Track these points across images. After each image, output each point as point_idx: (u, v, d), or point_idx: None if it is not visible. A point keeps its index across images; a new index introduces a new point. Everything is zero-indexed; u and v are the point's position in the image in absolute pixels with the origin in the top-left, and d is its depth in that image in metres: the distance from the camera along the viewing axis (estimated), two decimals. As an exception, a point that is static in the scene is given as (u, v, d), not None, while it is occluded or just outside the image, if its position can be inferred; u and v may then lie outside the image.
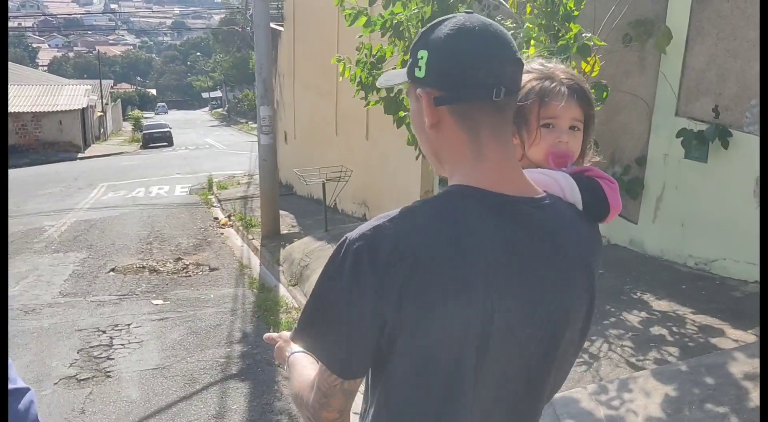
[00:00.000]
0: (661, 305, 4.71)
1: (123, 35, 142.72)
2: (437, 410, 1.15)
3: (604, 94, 4.26)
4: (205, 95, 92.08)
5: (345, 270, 1.11)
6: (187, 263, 9.21)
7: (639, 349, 4.07)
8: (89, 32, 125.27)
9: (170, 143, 37.69)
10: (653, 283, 5.18)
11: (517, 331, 1.17)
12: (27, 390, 1.55)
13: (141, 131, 41.76)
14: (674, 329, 4.29)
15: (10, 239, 10.61)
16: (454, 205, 1.15)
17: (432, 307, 1.08)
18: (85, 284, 8.02)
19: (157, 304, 7.05)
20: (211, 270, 8.76)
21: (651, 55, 5.92)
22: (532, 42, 4.16)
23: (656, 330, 4.30)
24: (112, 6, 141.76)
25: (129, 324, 6.39)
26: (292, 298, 7.07)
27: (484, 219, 1.14)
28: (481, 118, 1.16)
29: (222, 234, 11.62)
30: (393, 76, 1.38)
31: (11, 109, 30.99)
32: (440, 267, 1.09)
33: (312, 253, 7.87)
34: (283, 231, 10.86)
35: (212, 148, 34.69)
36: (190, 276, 8.46)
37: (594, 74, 4.28)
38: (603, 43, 4.27)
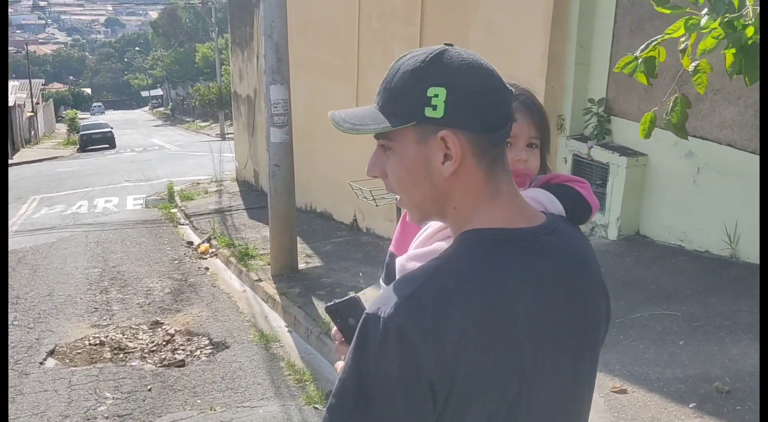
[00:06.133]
0: None
1: (53, 34, 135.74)
2: None
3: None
4: (144, 93, 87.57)
5: (388, 352, 0.94)
6: (172, 332, 5.80)
7: None
8: (17, 31, 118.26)
9: (112, 145, 33.92)
10: None
11: (557, 368, 1.09)
12: None
13: (78, 132, 37.45)
14: None
15: None
16: (486, 254, 1.04)
17: (485, 366, 0.98)
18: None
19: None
20: (216, 348, 5.35)
21: None
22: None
23: None
24: (41, 3, 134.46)
25: None
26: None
27: (518, 263, 1.05)
28: (495, 154, 1.07)
29: (206, 268, 8.25)
30: (364, 117, 1.07)
31: None
32: (489, 325, 0.99)
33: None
34: (300, 265, 7.54)
35: (162, 149, 30.61)
36: (183, 364, 5.05)
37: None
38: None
